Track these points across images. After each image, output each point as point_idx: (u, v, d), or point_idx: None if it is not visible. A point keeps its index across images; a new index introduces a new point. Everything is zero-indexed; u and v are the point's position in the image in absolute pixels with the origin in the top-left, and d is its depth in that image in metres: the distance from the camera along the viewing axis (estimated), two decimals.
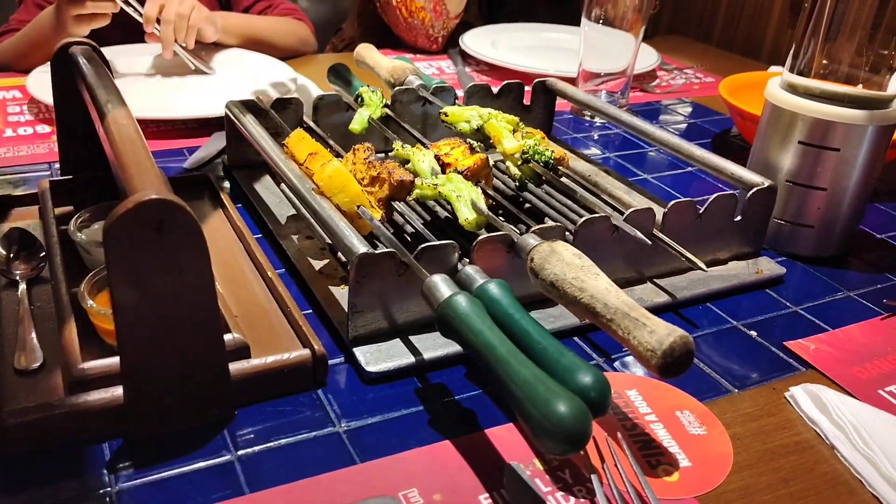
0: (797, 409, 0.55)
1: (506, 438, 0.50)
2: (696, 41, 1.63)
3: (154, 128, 0.95)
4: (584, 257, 0.54)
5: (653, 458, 0.50)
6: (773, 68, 1.20)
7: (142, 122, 0.92)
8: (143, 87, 1.08)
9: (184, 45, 1.11)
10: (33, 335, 0.53)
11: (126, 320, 0.44)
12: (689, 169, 0.94)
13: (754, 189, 0.69)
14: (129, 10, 1.09)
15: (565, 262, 0.53)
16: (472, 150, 0.71)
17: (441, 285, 0.50)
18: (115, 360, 0.48)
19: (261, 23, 1.31)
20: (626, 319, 0.48)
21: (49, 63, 0.90)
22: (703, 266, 0.62)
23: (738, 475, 0.49)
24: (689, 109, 1.18)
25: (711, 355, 0.60)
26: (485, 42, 1.37)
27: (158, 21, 1.09)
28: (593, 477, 0.47)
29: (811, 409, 0.54)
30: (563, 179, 0.73)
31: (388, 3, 1.40)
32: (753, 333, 0.63)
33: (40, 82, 1.00)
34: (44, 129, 0.93)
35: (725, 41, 1.61)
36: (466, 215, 0.63)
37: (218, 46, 1.22)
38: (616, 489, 0.46)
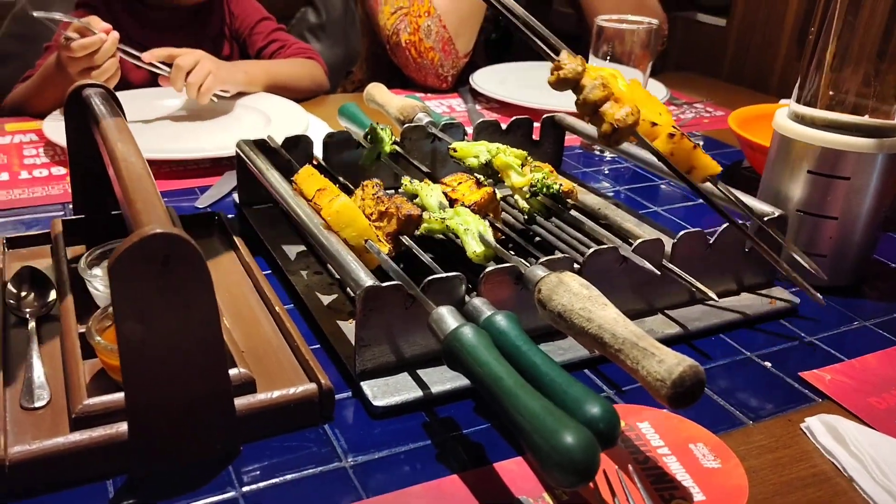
0: (813, 440, 0.54)
1: (515, 472, 0.49)
2: (705, 76, 1.64)
3: (167, 168, 0.96)
4: (591, 288, 0.53)
5: (666, 491, 0.48)
6: (782, 101, 1.20)
7: (154, 162, 0.94)
8: (155, 129, 1.09)
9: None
10: (41, 372, 0.53)
11: (131, 355, 0.44)
12: (700, 201, 0.93)
13: (765, 219, 0.68)
14: (143, 65, 1.12)
15: (573, 293, 0.53)
16: (479, 184, 0.72)
17: (447, 317, 0.50)
18: (120, 395, 0.47)
19: (282, 69, 1.33)
20: (635, 349, 0.47)
21: (63, 108, 0.92)
22: (713, 296, 0.61)
23: None
24: (700, 143, 1.18)
25: (725, 387, 0.59)
26: (494, 79, 1.39)
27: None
28: None
29: (828, 440, 0.53)
30: (572, 212, 0.73)
31: (398, 45, 1.42)
32: (768, 364, 0.62)
33: (56, 126, 1.02)
34: (59, 170, 0.95)
35: (734, 75, 1.61)
36: (474, 248, 0.63)
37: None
38: None
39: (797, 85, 0.74)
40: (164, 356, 0.44)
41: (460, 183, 0.72)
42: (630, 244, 0.64)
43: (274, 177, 0.71)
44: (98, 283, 0.59)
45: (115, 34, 1.08)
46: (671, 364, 0.45)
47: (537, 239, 0.76)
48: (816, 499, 0.49)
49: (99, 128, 0.58)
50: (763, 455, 0.52)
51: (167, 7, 1.35)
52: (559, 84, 0.68)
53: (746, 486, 0.49)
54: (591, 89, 0.66)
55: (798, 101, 0.73)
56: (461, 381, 0.56)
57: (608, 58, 1.06)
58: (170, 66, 1.12)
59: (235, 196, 0.86)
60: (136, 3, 1.35)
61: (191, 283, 0.43)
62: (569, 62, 0.66)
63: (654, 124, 0.66)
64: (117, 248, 0.41)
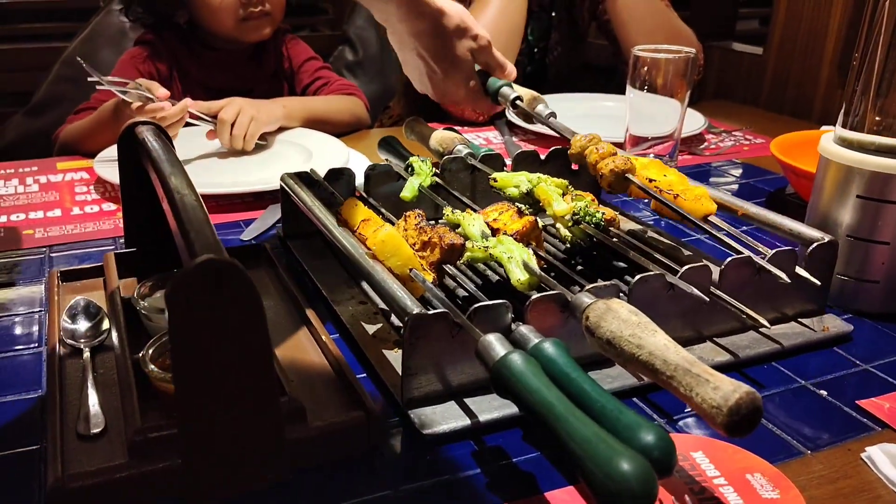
0: (875, 470, 0.52)
1: (567, 502, 0.49)
2: (743, 105, 1.63)
3: (212, 203, 0.98)
4: (640, 314, 0.53)
5: None
6: (824, 127, 1.19)
7: (201, 197, 0.96)
8: (201, 166, 1.12)
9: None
10: (95, 400, 0.54)
11: (185, 382, 0.44)
12: (745, 228, 0.92)
13: (814, 245, 0.67)
14: (194, 121, 1.15)
15: (621, 320, 0.52)
16: (521, 213, 0.72)
17: (496, 344, 0.50)
18: (175, 423, 0.48)
19: (320, 104, 1.36)
20: (688, 376, 0.47)
21: (113, 147, 0.95)
22: (764, 322, 0.60)
23: None
24: (740, 171, 1.17)
25: (780, 415, 0.58)
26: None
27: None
28: None
29: (890, 470, 0.51)
30: (615, 241, 0.73)
31: None
32: (823, 392, 0.61)
33: (107, 164, 1.05)
34: (109, 206, 0.97)
35: (773, 104, 1.60)
36: (519, 276, 0.63)
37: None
38: None
39: (842, 112, 0.73)
40: (217, 383, 0.45)
41: (502, 212, 0.73)
42: (676, 271, 0.63)
43: (318, 208, 0.72)
44: (151, 313, 0.60)
45: (187, 102, 1.12)
46: (727, 391, 0.44)
47: (580, 268, 0.76)
48: None
49: (152, 162, 0.60)
50: (823, 486, 0.51)
51: (226, 47, 1.40)
52: (574, 158, 0.84)
53: None
54: (589, 152, 0.80)
55: (844, 126, 0.73)
56: (509, 409, 0.56)
57: (645, 88, 1.06)
58: (213, 116, 1.16)
59: (279, 228, 0.87)
60: (196, 42, 1.39)
61: (242, 310, 0.44)
62: (578, 140, 0.83)
63: (650, 180, 0.76)
64: (174, 277, 0.42)
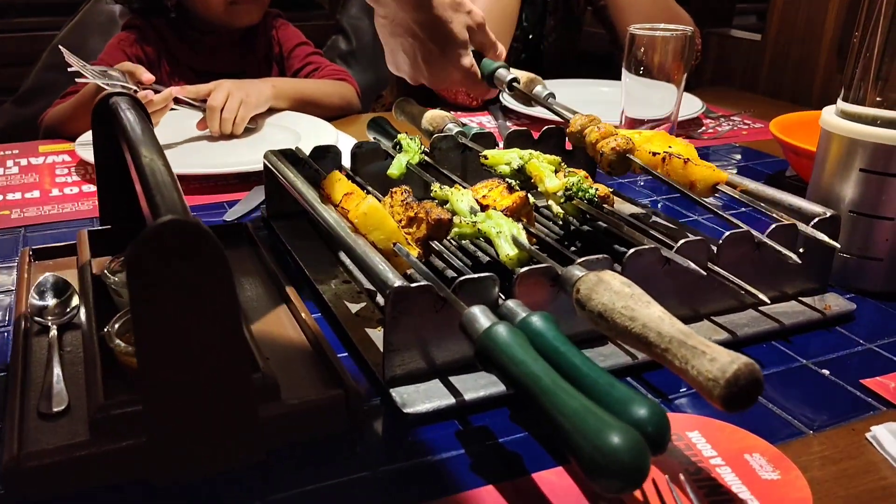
0: (881, 450, 0.50)
1: (555, 483, 0.46)
2: (742, 90, 1.60)
3: (196, 184, 0.95)
4: (633, 286, 0.50)
5: None
6: (826, 108, 1.15)
7: (183, 178, 0.93)
8: (185, 147, 1.09)
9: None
10: (59, 378, 0.51)
11: (149, 355, 0.41)
12: (744, 209, 0.90)
13: (816, 219, 0.65)
14: (182, 106, 1.12)
15: (614, 291, 0.50)
16: (511, 189, 0.69)
17: (480, 316, 0.47)
18: (139, 399, 0.45)
19: (310, 86, 1.34)
20: (683, 348, 0.44)
21: None
22: (764, 298, 0.57)
23: None
24: (739, 154, 1.15)
25: (780, 395, 0.55)
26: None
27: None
28: None
29: None
30: (609, 217, 0.70)
31: None
32: (826, 372, 0.58)
33: (88, 145, 1.02)
34: (89, 188, 0.95)
35: (771, 90, 1.58)
36: (508, 251, 0.60)
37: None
38: None
39: (843, 88, 0.71)
40: (182, 355, 0.42)
41: (491, 189, 0.70)
42: (671, 246, 0.61)
43: (301, 183, 0.70)
44: (120, 288, 0.57)
45: (172, 90, 1.09)
46: (724, 362, 0.41)
47: (573, 248, 0.73)
48: None
49: (123, 132, 0.57)
50: (826, 466, 0.48)
51: (216, 31, 1.37)
52: (572, 137, 0.81)
53: (810, 499, 0.45)
54: (590, 131, 0.77)
55: (845, 101, 0.70)
56: (496, 387, 0.53)
57: (641, 69, 1.03)
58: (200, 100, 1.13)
59: (263, 210, 0.85)
60: (185, 26, 1.37)
61: (210, 277, 0.41)
62: (578, 119, 0.80)
63: (653, 153, 0.72)
64: (134, 240, 0.39)
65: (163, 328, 0.41)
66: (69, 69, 1.08)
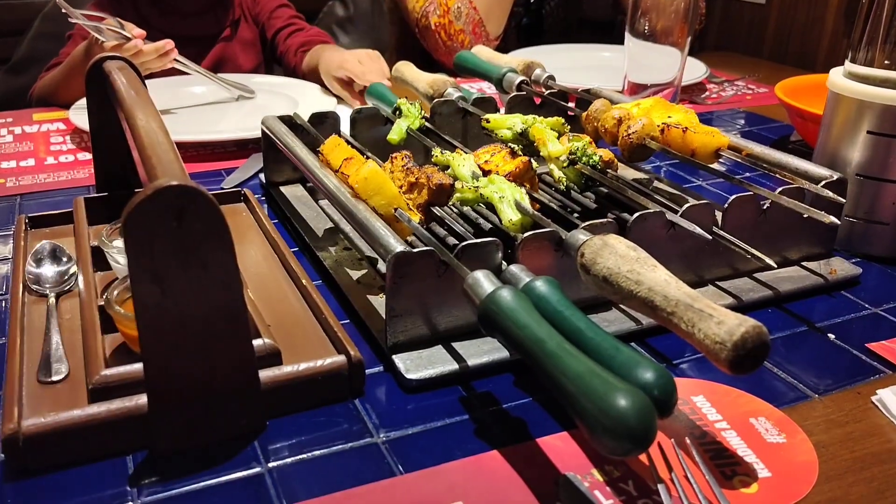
0: (886, 413, 0.49)
1: (560, 448, 0.46)
2: (746, 55, 1.58)
3: (193, 151, 0.94)
4: (639, 249, 0.49)
5: (727, 467, 0.44)
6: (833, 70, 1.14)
7: (180, 145, 0.92)
8: (182, 115, 1.08)
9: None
10: (59, 346, 0.51)
11: (148, 320, 0.41)
12: (748, 174, 0.89)
13: (822, 182, 0.64)
14: (180, 66, 1.10)
15: (619, 255, 0.49)
16: (514, 154, 0.68)
17: (483, 281, 0.47)
18: (139, 366, 0.45)
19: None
20: (690, 311, 0.43)
21: None
22: (771, 262, 0.57)
23: (826, 486, 0.43)
24: (743, 119, 1.13)
25: (785, 359, 0.55)
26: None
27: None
28: (661, 488, 0.42)
29: None
30: (614, 181, 0.69)
31: (428, 28, 1.39)
32: (831, 336, 0.58)
33: (82, 112, 1.00)
34: (85, 156, 0.93)
35: (777, 55, 1.55)
36: (510, 216, 0.60)
37: (257, 73, 1.23)
38: (687, 501, 0.41)
39: (850, 50, 0.69)
40: (182, 320, 0.41)
41: (494, 154, 0.69)
42: (676, 211, 0.60)
43: (300, 148, 0.69)
44: (118, 255, 0.57)
45: (168, 42, 1.07)
46: (732, 325, 0.41)
47: (576, 215, 0.72)
48: (894, 475, 0.44)
49: (117, 94, 0.56)
50: (832, 430, 0.48)
51: None
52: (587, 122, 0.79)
53: (816, 462, 0.45)
54: (606, 119, 0.75)
55: (853, 62, 0.69)
56: (499, 353, 0.53)
57: (645, 30, 1.01)
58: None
59: (262, 177, 0.83)
60: None
61: (208, 240, 0.40)
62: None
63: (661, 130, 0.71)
64: (130, 202, 0.38)
65: (161, 293, 0.40)
66: (69, 19, 1.06)
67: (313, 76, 1.31)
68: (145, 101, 0.52)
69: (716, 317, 0.42)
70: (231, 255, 0.41)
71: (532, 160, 0.68)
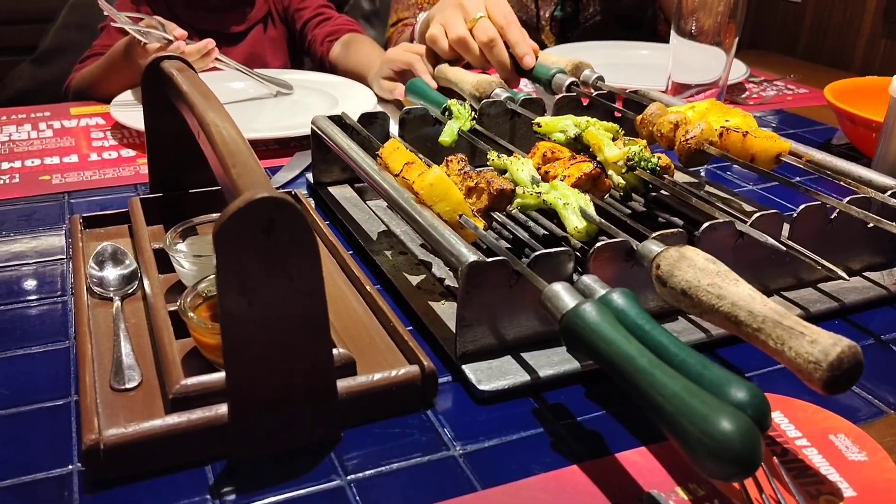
0: None
1: (639, 464, 0.45)
2: (780, 54, 1.57)
3: None
4: (718, 262, 0.49)
5: (812, 487, 0.44)
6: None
7: None
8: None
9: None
10: (129, 352, 0.50)
11: (233, 330, 0.40)
12: (798, 179, 0.88)
13: (889, 192, 0.63)
14: (219, 63, 1.10)
15: (698, 268, 0.48)
16: (574, 157, 0.67)
17: (564, 294, 0.46)
18: (219, 375, 0.45)
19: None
20: (779, 328, 0.43)
21: (129, 91, 0.89)
22: (843, 274, 0.56)
23: None
24: (785, 121, 1.12)
25: None
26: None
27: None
28: None
29: None
30: (674, 187, 0.68)
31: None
32: None
33: (124, 108, 1.00)
34: (128, 153, 0.93)
35: (811, 54, 1.54)
36: (576, 223, 0.59)
37: (293, 69, 1.22)
38: None
39: None
40: (266, 330, 0.41)
41: (554, 153, 0.68)
42: (744, 220, 0.59)
43: (356, 151, 0.68)
44: (183, 259, 0.56)
45: (210, 42, 1.07)
46: (826, 344, 0.40)
47: (641, 212, 0.71)
48: None
49: (183, 97, 0.55)
50: None
51: None
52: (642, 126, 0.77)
53: None
54: (662, 123, 0.73)
55: None
56: (570, 364, 0.52)
57: (692, 28, 1.00)
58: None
59: (308, 176, 0.83)
60: None
61: (296, 252, 0.40)
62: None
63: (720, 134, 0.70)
64: (221, 214, 0.38)
65: (247, 304, 0.40)
66: (110, 19, 1.06)
67: (340, 67, 1.31)
68: (217, 106, 0.51)
69: (808, 335, 0.41)
70: (317, 264, 0.41)
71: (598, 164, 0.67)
